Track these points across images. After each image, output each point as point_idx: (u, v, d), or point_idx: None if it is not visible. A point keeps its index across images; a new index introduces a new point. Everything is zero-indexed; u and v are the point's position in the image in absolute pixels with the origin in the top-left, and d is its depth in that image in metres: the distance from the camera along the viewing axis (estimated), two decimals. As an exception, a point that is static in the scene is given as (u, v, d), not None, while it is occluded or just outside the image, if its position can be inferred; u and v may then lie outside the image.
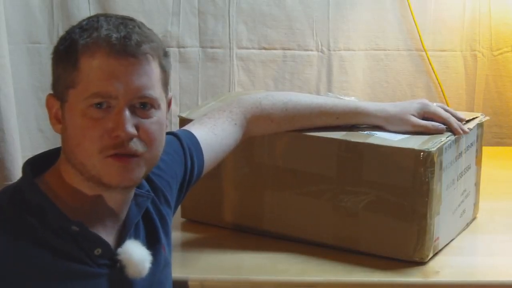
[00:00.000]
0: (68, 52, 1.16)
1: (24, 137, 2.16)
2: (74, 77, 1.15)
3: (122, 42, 1.14)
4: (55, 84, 1.19)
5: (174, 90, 2.27)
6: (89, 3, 2.20)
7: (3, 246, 1.13)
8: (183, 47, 2.27)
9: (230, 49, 2.28)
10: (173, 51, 2.25)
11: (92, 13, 2.14)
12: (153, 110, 1.18)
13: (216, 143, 1.48)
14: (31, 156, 1.23)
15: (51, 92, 1.20)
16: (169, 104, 1.25)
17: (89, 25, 1.17)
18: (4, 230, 1.14)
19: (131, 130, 1.14)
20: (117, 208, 1.23)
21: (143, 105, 1.17)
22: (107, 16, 1.19)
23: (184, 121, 1.64)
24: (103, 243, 1.19)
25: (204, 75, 2.30)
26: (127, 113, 1.14)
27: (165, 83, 1.22)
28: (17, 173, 1.97)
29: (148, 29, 1.20)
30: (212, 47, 2.28)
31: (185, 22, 2.26)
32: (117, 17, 1.19)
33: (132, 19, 1.19)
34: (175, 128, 2.19)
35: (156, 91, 1.18)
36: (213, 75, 2.30)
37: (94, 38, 1.15)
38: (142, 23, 1.20)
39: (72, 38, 1.17)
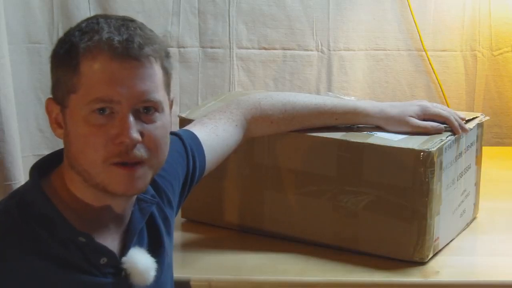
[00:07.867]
0: (68, 55, 1.13)
1: (24, 137, 2.15)
2: (75, 81, 1.12)
3: (124, 45, 1.11)
4: (55, 88, 1.16)
5: (174, 90, 2.27)
6: (89, 3, 2.19)
7: (9, 257, 1.12)
8: (183, 47, 2.27)
9: (230, 49, 2.28)
10: (173, 51, 2.24)
11: (92, 13, 2.15)
12: (156, 114, 1.15)
13: (217, 144, 1.48)
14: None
15: (51, 96, 1.17)
16: (170, 105, 1.22)
17: (89, 28, 1.14)
18: (10, 240, 1.13)
19: (136, 136, 1.12)
20: (121, 212, 1.21)
21: (147, 109, 1.14)
22: (106, 18, 1.15)
23: (184, 121, 1.64)
24: (108, 253, 1.18)
25: (204, 75, 2.30)
26: (131, 118, 1.12)
27: (168, 85, 1.19)
28: (17, 173, 1.97)
29: (150, 30, 1.17)
30: (212, 47, 2.28)
31: (185, 22, 2.26)
32: (117, 18, 1.16)
33: (132, 20, 1.17)
34: (174, 128, 2.19)
35: (160, 94, 1.15)
36: (213, 75, 2.30)
37: (96, 41, 1.12)
38: (143, 24, 1.17)
39: (72, 41, 1.13)
